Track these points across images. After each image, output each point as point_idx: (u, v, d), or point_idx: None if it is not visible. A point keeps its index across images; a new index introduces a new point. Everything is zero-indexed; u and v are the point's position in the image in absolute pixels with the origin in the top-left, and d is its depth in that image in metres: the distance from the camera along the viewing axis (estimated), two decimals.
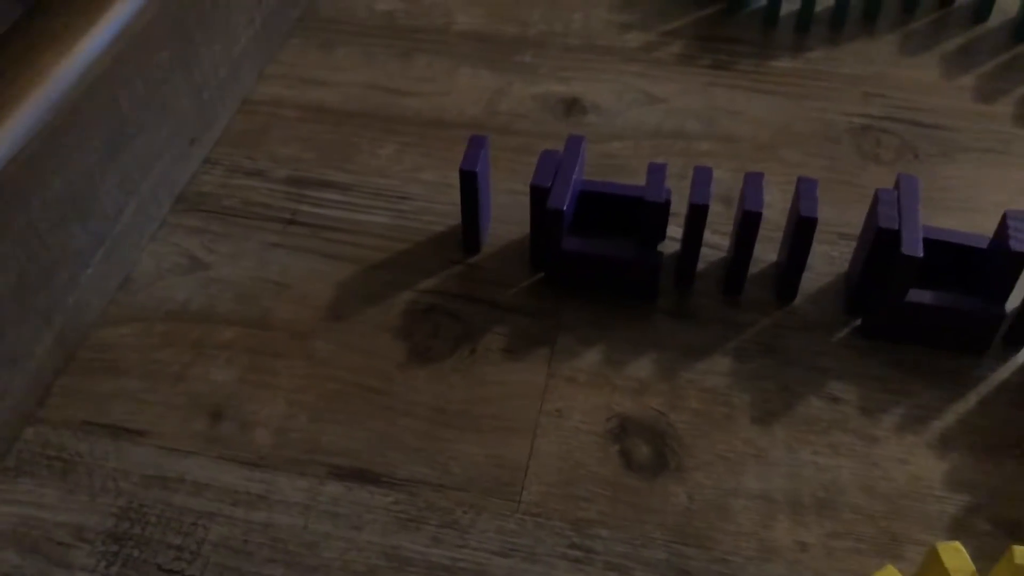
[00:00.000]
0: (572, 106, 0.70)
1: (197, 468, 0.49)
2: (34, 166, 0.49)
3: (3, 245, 0.47)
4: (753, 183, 0.53)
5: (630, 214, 0.58)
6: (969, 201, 0.63)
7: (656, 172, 0.55)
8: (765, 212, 0.58)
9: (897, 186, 0.54)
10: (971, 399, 0.52)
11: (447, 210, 0.62)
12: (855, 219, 0.61)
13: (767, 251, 0.59)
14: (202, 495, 0.48)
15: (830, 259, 0.59)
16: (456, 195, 0.62)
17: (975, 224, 0.60)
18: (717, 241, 0.59)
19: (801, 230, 0.53)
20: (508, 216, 0.62)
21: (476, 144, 0.56)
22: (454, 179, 0.63)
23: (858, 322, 0.55)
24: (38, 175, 0.49)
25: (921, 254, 0.50)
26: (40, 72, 0.49)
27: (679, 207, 0.61)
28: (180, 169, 0.63)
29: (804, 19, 0.76)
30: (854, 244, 0.59)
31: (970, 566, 0.38)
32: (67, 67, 0.50)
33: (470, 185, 0.56)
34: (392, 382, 0.53)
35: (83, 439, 0.50)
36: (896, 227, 0.51)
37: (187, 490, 0.48)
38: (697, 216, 0.53)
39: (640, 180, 0.64)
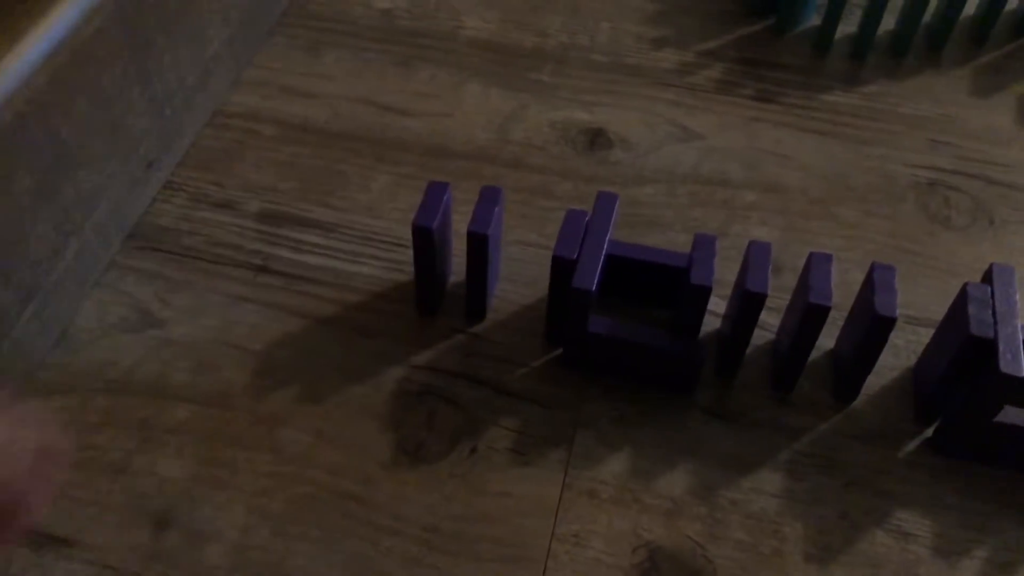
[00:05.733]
0: (596, 138, 0.61)
1: None
2: None
3: None
4: (820, 268, 0.44)
5: (665, 282, 0.49)
6: None
7: (704, 247, 0.46)
8: None
9: (989, 278, 0.45)
10: None
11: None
12: (924, 299, 0.52)
13: (822, 335, 0.50)
14: None
15: (895, 349, 0.50)
16: (461, 242, 0.53)
17: None
18: (763, 319, 0.50)
19: (876, 329, 0.44)
20: (519, 274, 0.53)
21: (489, 198, 0.46)
22: (458, 223, 0.54)
23: (929, 432, 0.47)
24: None
25: (1023, 373, 0.41)
26: None
27: (721, 273, 0.52)
28: (134, 198, 0.53)
29: (861, 45, 0.67)
30: (923, 330, 0.50)
31: None
32: None
33: (479, 248, 0.46)
34: (376, 488, 0.44)
35: None
36: (991, 335, 0.43)
37: None
38: (753, 305, 0.44)
39: (675, 236, 0.55)
